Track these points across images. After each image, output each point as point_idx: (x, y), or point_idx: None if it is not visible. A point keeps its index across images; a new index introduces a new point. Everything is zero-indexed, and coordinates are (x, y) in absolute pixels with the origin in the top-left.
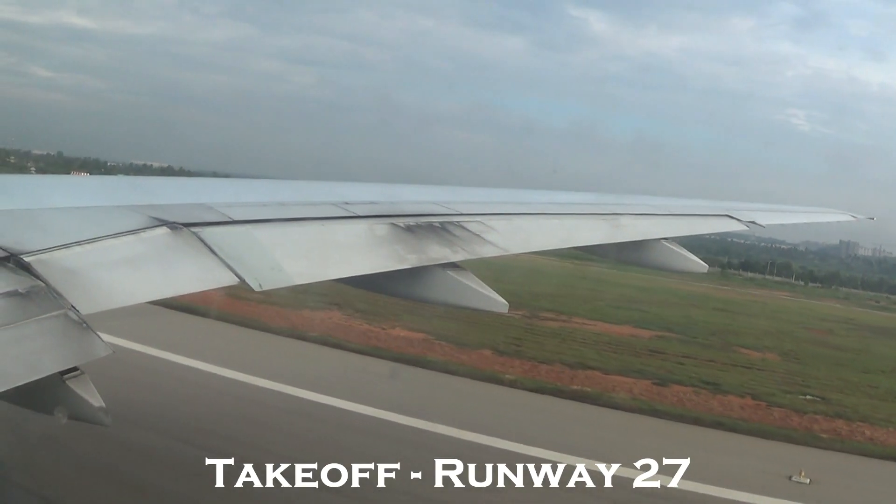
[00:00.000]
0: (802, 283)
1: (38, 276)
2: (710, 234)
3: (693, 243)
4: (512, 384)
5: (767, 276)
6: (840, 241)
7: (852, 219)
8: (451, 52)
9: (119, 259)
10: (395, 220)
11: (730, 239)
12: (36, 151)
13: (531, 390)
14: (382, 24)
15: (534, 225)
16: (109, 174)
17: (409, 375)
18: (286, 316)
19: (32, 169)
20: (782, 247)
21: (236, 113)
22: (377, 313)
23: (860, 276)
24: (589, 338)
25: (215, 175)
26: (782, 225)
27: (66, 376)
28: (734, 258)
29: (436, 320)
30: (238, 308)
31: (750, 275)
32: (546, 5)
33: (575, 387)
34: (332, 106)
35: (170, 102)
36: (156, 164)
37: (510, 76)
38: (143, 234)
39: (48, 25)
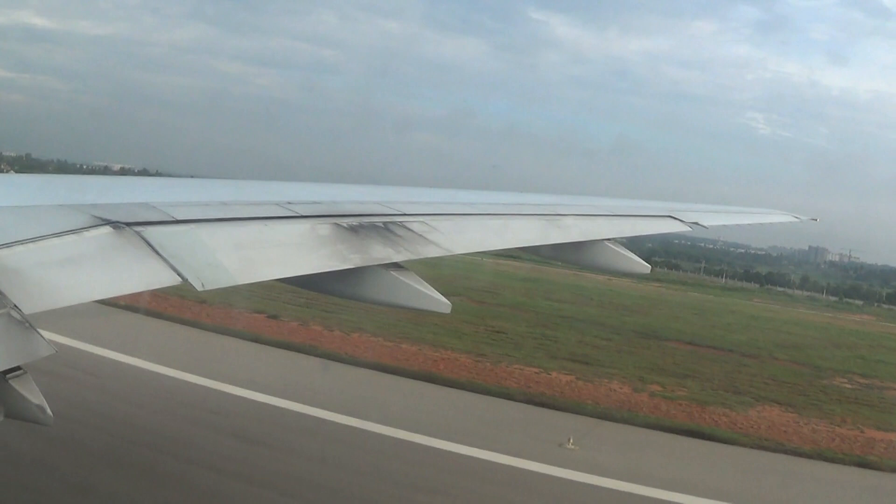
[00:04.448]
0: (836, 298)
1: None
2: (677, 240)
3: (667, 250)
4: None
5: (797, 291)
6: (809, 246)
7: (795, 219)
8: (414, 55)
9: (62, 258)
10: (338, 220)
11: (701, 245)
12: (6, 153)
13: None
14: (344, 26)
15: (477, 225)
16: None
17: None
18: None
19: (10, 171)
20: (757, 252)
21: (201, 115)
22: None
23: (870, 287)
24: None
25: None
26: (725, 226)
27: (8, 376)
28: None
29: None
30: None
31: (780, 289)
32: (507, 8)
33: None
34: (296, 108)
35: (134, 104)
36: (136, 168)
37: (474, 79)
38: (86, 234)
39: (7, 25)
